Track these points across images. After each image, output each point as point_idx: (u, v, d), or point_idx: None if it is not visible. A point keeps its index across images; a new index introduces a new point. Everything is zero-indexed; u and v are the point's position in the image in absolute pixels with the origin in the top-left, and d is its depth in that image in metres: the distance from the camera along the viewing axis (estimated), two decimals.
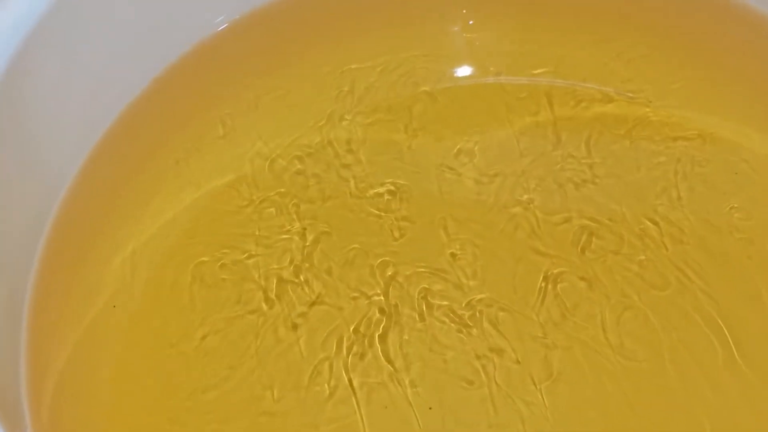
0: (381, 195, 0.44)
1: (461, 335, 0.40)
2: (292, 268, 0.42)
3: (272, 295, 0.41)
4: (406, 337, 0.40)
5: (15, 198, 0.41)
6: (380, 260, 0.42)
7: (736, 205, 0.43)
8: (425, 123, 0.46)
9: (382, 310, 0.41)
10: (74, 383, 0.40)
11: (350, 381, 0.39)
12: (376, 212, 0.43)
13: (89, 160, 0.44)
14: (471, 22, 0.49)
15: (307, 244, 0.43)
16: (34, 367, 0.39)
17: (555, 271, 0.41)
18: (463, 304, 0.41)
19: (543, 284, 0.41)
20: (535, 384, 0.39)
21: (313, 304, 0.41)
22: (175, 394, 0.39)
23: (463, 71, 0.48)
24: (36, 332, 0.40)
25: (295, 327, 0.41)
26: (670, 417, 0.38)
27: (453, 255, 0.42)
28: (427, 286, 0.41)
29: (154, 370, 0.40)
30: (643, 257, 0.42)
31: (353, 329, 0.40)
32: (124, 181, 0.45)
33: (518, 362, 0.39)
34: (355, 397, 0.39)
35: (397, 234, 0.43)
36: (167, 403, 0.39)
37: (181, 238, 0.43)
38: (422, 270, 0.42)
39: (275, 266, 0.42)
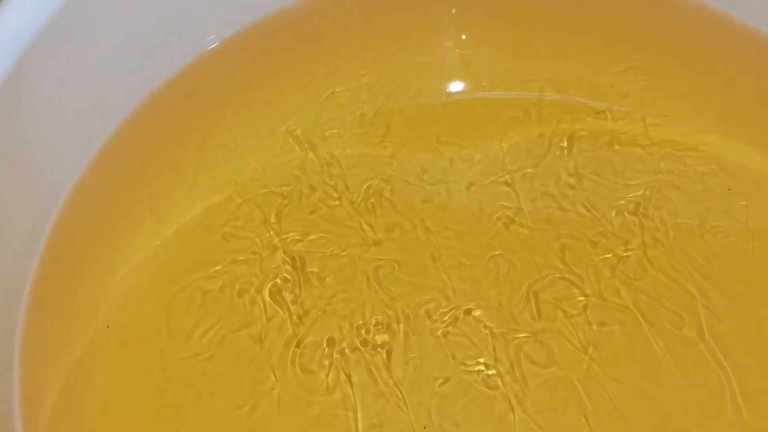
0: (369, 206, 0.44)
1: (445, 341, 0.41)
2: (287, 284, 0.42)
3: (269, 311, 0.42)
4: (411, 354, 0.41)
5: (7, 216, 0.40)
6: (373, 267, 0.42)
7: (720, 223, 0.43)
8: (415, 135, 0.46)
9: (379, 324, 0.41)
10: (69, 407, 0.39)
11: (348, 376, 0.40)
12: (366, 224, 0.44)
13: (82, 178, 0.44)
14: (464, 37, 0.49)
15: (298, 257, 0.43)
16: (29, 388, 0.39)
17: (542, 281, 0.42)
18: (451, 312, 0.41)
19: (529, 293, 0.42)
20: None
21: (307, 316, 0.41)
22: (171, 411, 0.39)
23: (456, 86, 0.48)
24: (29, 354, 0.40)
25: (292, 342, 0.41)
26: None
27: (442, 265, 0.43)
28: (417, 298, 0.42)
29: (149, 391, 0.40)
30: (629, 265, 0.42)
31: (349, 342, 0.41)
32: (116, 201, 0.44)
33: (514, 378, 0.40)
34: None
35: (386, 243, 0.43)
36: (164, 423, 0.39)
37: (176, 257, 0.43)
38: (411, 280, 0.42)
39: (270, 282, 0.42)
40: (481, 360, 0.40)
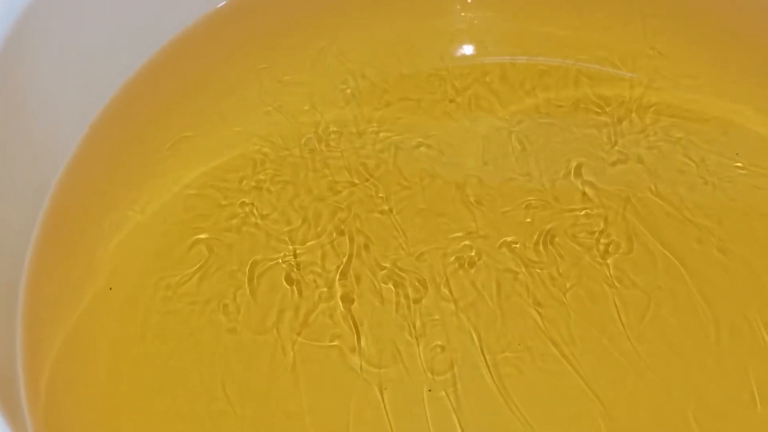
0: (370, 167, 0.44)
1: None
2: (296, 245, 0.43)
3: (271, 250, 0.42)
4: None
5: (11, 179, 0.40)
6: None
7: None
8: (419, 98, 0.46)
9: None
10: (71, 365, 0.39)
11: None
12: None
13: (86, 140, 0.44)
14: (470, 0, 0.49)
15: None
16: (31, 348, 0.39)
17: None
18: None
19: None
20: None
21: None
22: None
23: (464, 50, 0.48)
24: (32, 315, 0.40)
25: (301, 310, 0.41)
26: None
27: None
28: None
29: (151, 352, 0.40)
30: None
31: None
32: (120, 162, 0.44)
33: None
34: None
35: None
36: (166, 384, 0.40)
37: (180, 217, 0.43)
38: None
39: (276, 239, 0.43)
40: None
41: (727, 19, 0.47)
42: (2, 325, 0.38)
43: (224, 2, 0.47)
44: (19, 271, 0.40)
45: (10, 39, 0.39)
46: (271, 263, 0.42)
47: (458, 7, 0.49)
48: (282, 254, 0.42)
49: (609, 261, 0.41)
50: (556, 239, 0.42)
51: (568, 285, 0.41)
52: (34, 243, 0.41)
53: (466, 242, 0.42)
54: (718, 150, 0.44)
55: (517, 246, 0.42)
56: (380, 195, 0.44)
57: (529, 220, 0.43)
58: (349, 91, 0.46)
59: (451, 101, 0.46)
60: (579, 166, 0.44)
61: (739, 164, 0.44)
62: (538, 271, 0.41)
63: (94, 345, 0.40)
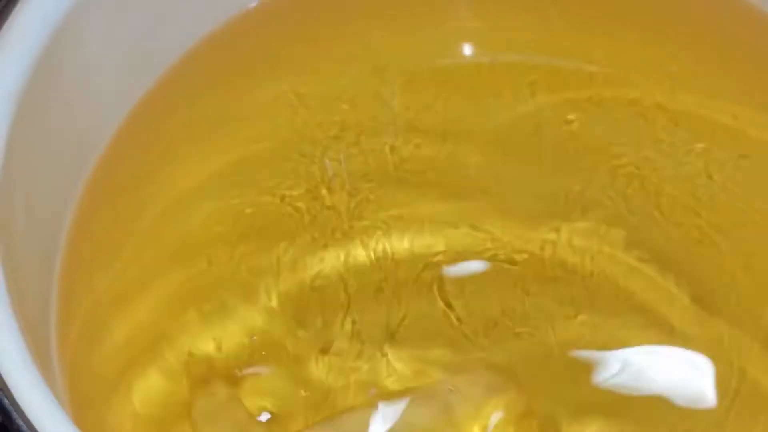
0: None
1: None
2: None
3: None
4: None
5: (54, 149, 0.41)
6: None
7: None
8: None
9: None
10: (103, 319, 0.41)
11: None
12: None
13: (130, 118, 0.45)
14: None
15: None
16: (65, 299, 0.40)
17: None
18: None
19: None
20: None
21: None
22: None
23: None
24: (70, 269, 0.41)
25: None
26: None
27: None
28: None
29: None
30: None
31: None
32: (165, 138, 0.45)
33: None
34: None
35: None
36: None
37: (226, 191, 0.45)
38: None
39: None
40: None
41: None
42: (41, 275, 0.40)
43: None
44: (61, 228, 0.41)
45: (67, 17, 0.41)
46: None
47: None
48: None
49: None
50: None
51: None
52: (77, 204, 0.42)
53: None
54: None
55: None
56: None
57: None
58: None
59: None
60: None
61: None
62: None
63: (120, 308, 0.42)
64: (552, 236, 0.43)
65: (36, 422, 0.31)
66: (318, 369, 0.40)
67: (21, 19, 0.39)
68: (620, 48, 0.47)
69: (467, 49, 0.48)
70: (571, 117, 0.46)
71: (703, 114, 0.45)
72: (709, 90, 0.46)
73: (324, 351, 0.41)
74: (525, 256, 0.43)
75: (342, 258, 0.43)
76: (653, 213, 0.43)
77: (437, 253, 0.43)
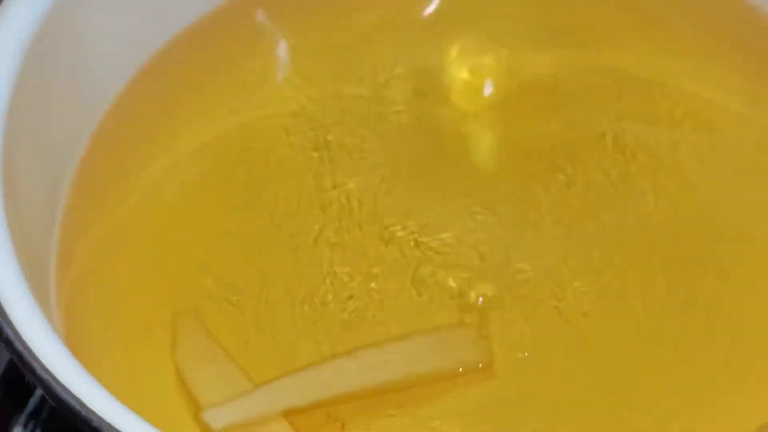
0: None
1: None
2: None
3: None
4: None
5: (61, 105, 0.43)
6: None
7: None
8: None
9: None
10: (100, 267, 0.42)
11: None
12: None
13: (139, 75, 0.46)
14: None
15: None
16: (66, 241, 0.41)
17: None
18: None
19: None
20: None
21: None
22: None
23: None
24: (72, 214, 0.42)
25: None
26: None
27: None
28: None
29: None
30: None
31: None
32: (170, 100, 0.46)
33: None
34: None
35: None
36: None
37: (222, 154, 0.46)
38: None
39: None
40: None
41: None
42: (44, 217, 0.41)
43: None
44: (66, 171, 0.43)
45: None
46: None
47: None
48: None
49: None
50: None
51: None
52: (82, 154, 0.43)
53: None
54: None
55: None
56: None
57: None
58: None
59: None
60: None
61: None
62: None
63: (124, 251, 0.43)
64: None
65: (30, 343, 0.33)
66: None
67: None
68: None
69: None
70: None
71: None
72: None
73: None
74: None
75: None
76: None
77: None
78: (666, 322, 0.41)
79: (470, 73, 0.48)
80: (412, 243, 0.43)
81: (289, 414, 0.38)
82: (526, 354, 0.40)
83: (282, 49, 0.49)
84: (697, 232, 0.43)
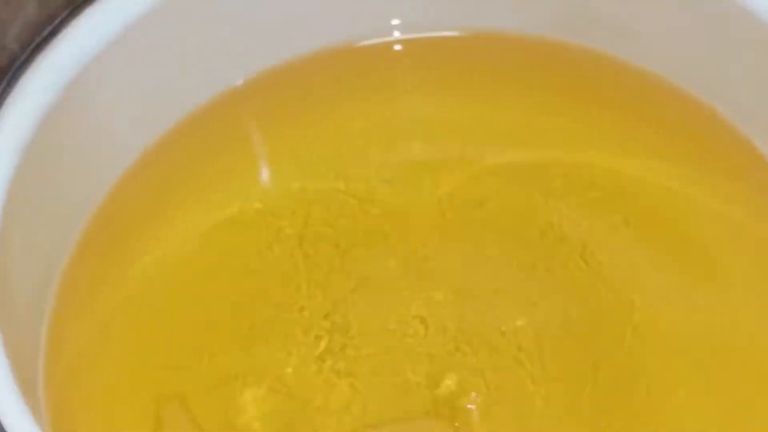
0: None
1: None
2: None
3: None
4: None
5: (55, 196, 0.43)
6: None
7: None
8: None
9: None
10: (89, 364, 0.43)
11: None
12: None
13: (129, 171, 0.47)
14: None
15: None
16: (55, 340, 0.42)
17: None
18: None
19: None
20: None
21: None
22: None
23: None
24: (60, 312, 0.43)
25: None
26: None
27: None
28: None
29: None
30: None
31: None
32: (170, 186, 0.48)
33: None
34: None
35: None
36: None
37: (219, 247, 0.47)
38: None
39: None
40: None
41: None
42: (32, 316, 0.42)
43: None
44: (58, 263, 0.44)
45: (86, 68, 0.43)
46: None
47: None
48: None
49: None
50: None
51: None
52: (72, 252, 0.44)
53: None
54: None
55: None
56: None
57: None
58: None
59: None
60: None
61: None
62: None
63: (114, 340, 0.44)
64: None
65: None
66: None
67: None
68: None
69: None
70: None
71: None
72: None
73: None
74: None
75: None
76: None
77: None
78: None
79: None
80: None
81: None
82: None
83: (278, 141, 0.50)
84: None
